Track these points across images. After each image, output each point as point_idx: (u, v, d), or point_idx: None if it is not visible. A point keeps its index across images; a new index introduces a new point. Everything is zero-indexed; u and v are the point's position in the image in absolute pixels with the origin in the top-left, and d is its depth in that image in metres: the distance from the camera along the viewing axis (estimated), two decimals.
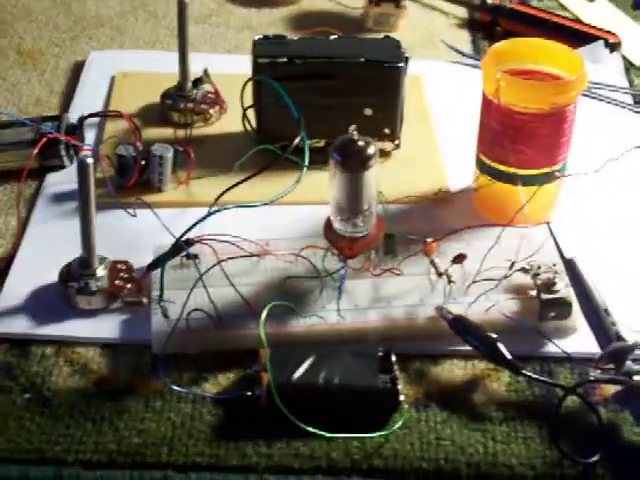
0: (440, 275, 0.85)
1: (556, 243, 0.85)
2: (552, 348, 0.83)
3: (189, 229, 0.85)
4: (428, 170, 1.01)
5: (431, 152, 1.04)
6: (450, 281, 0.84)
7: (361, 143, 0.79)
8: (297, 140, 0.91)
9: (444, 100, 1.12)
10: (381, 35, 1.20)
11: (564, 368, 0.82)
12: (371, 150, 0.79)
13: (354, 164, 0.79)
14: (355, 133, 0.79)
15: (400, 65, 0.98)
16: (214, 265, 0.83)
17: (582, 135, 0.95)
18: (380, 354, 0.79)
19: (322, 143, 1.00)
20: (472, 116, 0.93)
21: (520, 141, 0.89)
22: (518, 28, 1.24)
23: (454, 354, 0.83)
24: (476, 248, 0.88)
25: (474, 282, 0.85)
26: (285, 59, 0.97)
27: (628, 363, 0.77)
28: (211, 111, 1.06)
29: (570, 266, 0.83)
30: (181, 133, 1.03)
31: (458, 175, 0.99)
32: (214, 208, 0.86)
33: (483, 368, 0.82)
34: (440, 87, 1.14)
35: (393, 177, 1.00)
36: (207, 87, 1.07)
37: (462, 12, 1.30)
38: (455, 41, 1.24)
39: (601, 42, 1.18)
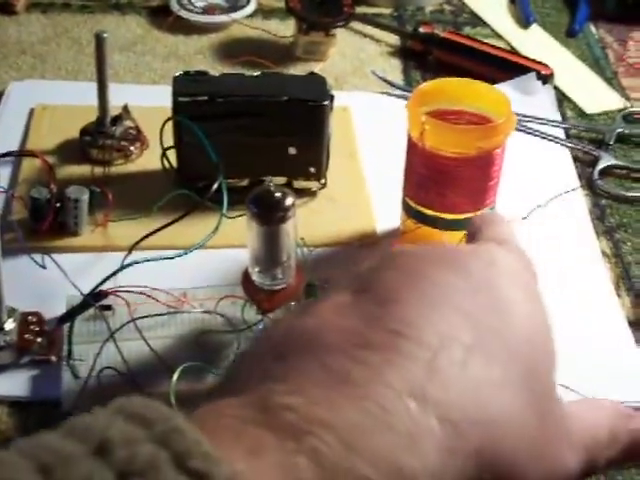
0: None
1: None
2: None
3: (101, 282, 0.81)
4: (355, 210, 0.99)
5: (359, 191, 1.01)
6: None
7: (278, 194, 0.76)
8: (215, 186, 0.88)
9: (373, 133, 1.09)
10: (310, 63, 1.18)
11: None
12: (289, 201, 0.76)
13: (271, 217, 0.76)
14: (272, 184, 0.76)
15: (325, 103, 0.95)
16: (127, 322, 0.80)
17: (513, 171, 0.93)
18: None
19: (245, 182, 0.97)
20: (402, 150, 0.91)
21: (445, 185, 0.87)
22: (450, 58, 1.22)
23: None
24: None
25: None
26: (206, 97, 0.94)
27: None
28: (132, 148, 1.03)
29: None
30: (100, 171, 0.99)
31: (386, 215, 0.97)
32: (128, 260, 0.82)
33: None
34: (369, 119, 1.11)
35: (319, 218, 0.97)
36: (128, 123, 1.03)
37: (394, 40, 1.27)
38: (386, 70, 1.21)
39: (533, 74, 1.16)
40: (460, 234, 0.86)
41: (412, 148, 0.88)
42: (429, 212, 0.89)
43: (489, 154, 0.87)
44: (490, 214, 0.63)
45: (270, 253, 0.78)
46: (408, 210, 0.91)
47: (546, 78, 1.17)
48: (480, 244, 0.55)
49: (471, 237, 0.61)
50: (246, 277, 0.81)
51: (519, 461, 0.45)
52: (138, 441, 0.37)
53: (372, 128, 1.10)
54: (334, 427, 0.41)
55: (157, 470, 0.36)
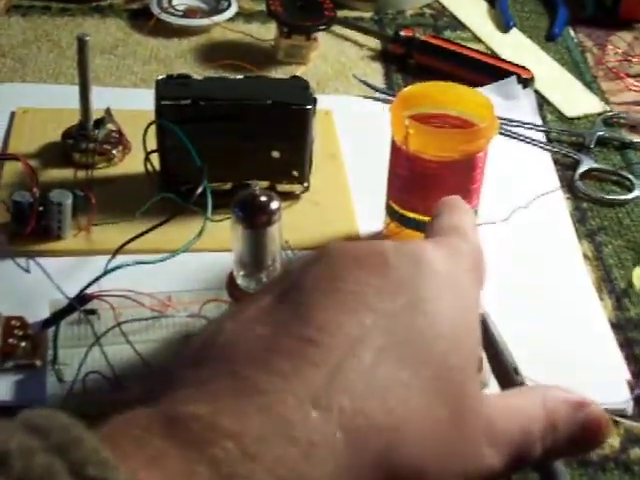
0: None
1: None
2: None
3: (86, 286, 0.81)
4: (338, 214, 0.99)
5: (342, 194, 1.01)
6: None
7: (263, 198, 0.76)
8: (199, 190, 0.88)
9: (355, 136, 1.09)
10: (292, 67, 1.18)
11: None
12: (274, 205, 0.76)
13: (256, 220, 0.76)
14: (257, 188, 0.77)
15: (308, 107, 0.95)
16: (112, 327, 0.80)
17: (495, 174, 0.94)
18: None
19: (229, 186, 0.97)
20: (384, 153, 0.91)
21: (429, 188, 0.88)
22: (431, 61, 1.22)
23: None
24: None
25: None
26: (189, 101, 0.94)
27: None
28: (114, 151, 1.02)
29: (482, 321, 0.81)
30: (82, 175, 0.99)
31: (369, 218, 0.97)
32: (112, 264, 0.82)
33: None
34: (351, 123, 1.12)
35: (302, 221, 0.97)
36: (110, 126, 1.03)
37: (375, 44, 1.28)
38: (368, 74, 1.22)
39: (514, 78, 1.17)
40: None
41: (396, 151, 0.89)
42: (412, 215, 0.89)
43: (472, 158, 0.87)
44: (455, 200, 0.62)
45: (255, 257, 0.78)
46: (391, 213, 0.92)
47: (527, 82, 1.17)
48: (408, 242, 0.53)
49: (430, 224, 0.61)
50: (231, 281, 0.81)
51: (429, 464, 0.45)
52: (35, 451, 0.37)
53: (354, 131, 1.10)
54: (237, 436, 0.41)
55: (53, 479, 0.36)
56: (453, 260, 0.53)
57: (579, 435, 0.53)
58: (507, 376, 0.78)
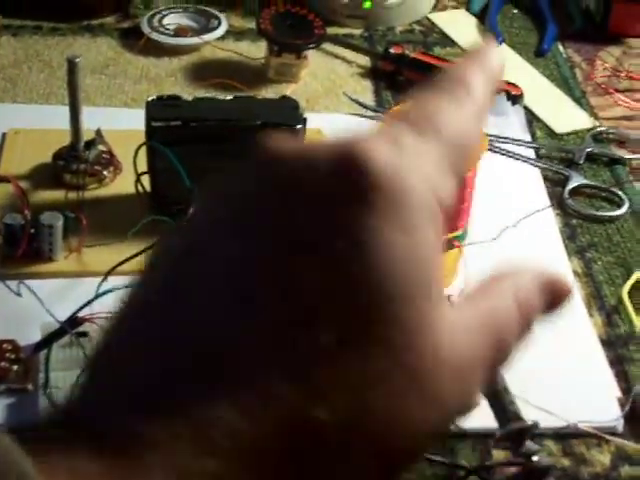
0: None
1: None
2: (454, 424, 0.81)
3: (78, 310, 0.82)
4: None
5: None
6: None
7: None
8: (190, 211, 0.88)
9: None
10: (282, 85, 1.19)
11: (466, 445, 0.81)
12: None
13: None
14: None
15: (298, 127, 0.95)
16: None
17: (485, 192, 0.94)
18: None
19: None
20: None
21: None
22: (421, 78, 1.22)
23: None
24: None
25: None
26: (179, 122, 0.94)
27: (527, 443, 0.76)
28: (105, 172, 1.03)
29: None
30: (74, 196, 0.99)
31: None
32: (104, 286, 0.83)
33: None
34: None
35: None
36: (101, 147, 1.03)
37: (365, 61, 1.28)
38: (358, 91, 1.22)
39: (503, 95, 1.17)
40: None
41: None
42: None
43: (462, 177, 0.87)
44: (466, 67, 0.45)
45: None
46: None
47: (516, 98, 1.18)
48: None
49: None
50: None
51: (396, 418, 0.38)
52: None
53: None
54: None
55: None
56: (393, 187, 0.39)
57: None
58: (497, 395, 0.78)
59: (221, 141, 0.95)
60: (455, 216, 0.89)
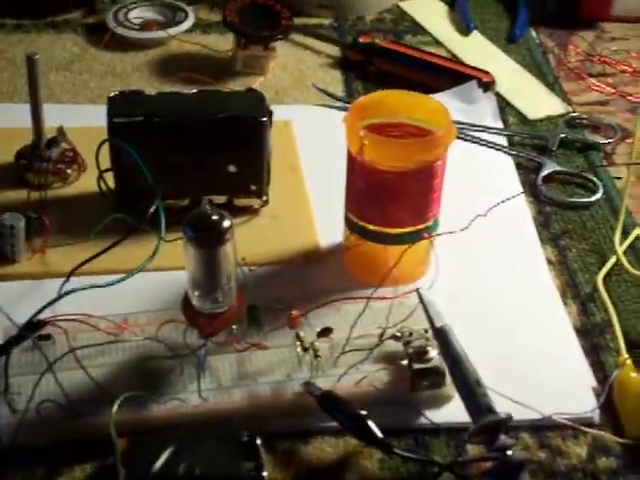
0: (306, 350, 0.81)
1: (425, 310, 0.81)
2: (427, 419, 0.80)
3: (37, 312, 0.80)
4: (298, 227, 0.97)
5: (301, 206, 1.00)
6: (316, 356, 0.80)
7: (215, 217, 0.75)
8: (152, 209, 0.87)
9: (316, 146, 1.08)
10: (251, 77, 1.17)
11: (440, 440, 0.79)
12: (226, 223, 0.75)
13: (208, 240, 0.75)
14: (208, 206, 0.75)
15: (263, 120, 0.93)
16: (67, 352, 0.78)
17: (457, 180, 0.92)
18: (245, 439, 0.75)
19: (187, 202, 0.95)
20: (344, 163, 0.89)
21: (387, 200, 0.86)
22: (391, 67, 1.21)
23: (325, 431, 0.79)
24: (345, 314, 0.84)
25: (343, 353, 0.81)
26: (142, 118, 0.92)
27: (501, 437, 0.74)
28: (69, 171, 1.01)
29: (440, 334, 0.80)
30: (36, 196, 0.97)
31: (330, 230, 0.95)
32: (67, 287, 0.81)
33: (355, 445, 0.78)
34: (311, 132, 1.10)
35: (261, 236, 0.96)
36: (64, 145, 1.01)
37: (335, 51, 1.26)
38: (327, 82, 1.20)
39: (474, 82, 1.15)
40: (404, 248, 0.85)
41: (352, 163, 0.87)
42: (371, 227, 0.88)
43: (430, 166, 0.86)
44: None
45: (209, 276, 0.77)
46: (350, 225, 0.90)
47: (487, 85, 1.16)
48: None
49: None
50: (186, 301, 0.79)
51: None
52: None
53: (314, 141, 1.09)
54: None
55: None
56: None
57: None
58: (470, 388, 0.77)
59: (185, 136, 0.93)
60: (425, 207, 0.87)
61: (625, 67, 1.24)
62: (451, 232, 0.86)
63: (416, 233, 0.88)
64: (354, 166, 0.87)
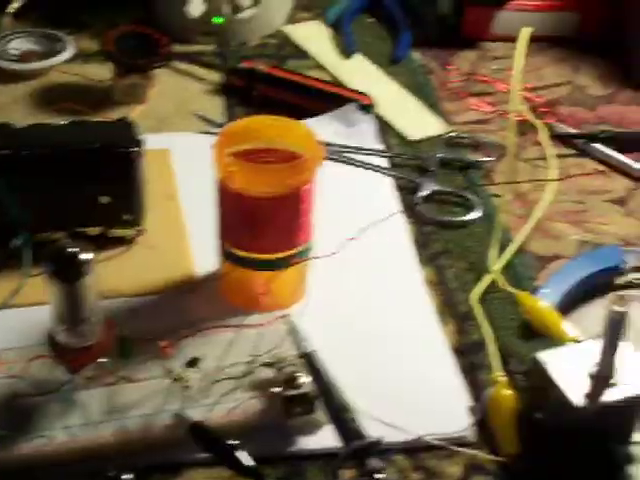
0: (176, 380, 0.80)
1: (295, 336, 0.81)
2: (301, 445, 0.79)
3: None
4: (174, 256, 0.97)
5: (178, 235, 0.99)
6: (186, 386, 0.80)
7: (73, 250, 0.74)
8: (17, 243, 0.85)
9: (194, 174, 1.07)
10: (131, 106, 1.16)
11: (314, 466, 0.79)
12: (85, 256, 0.74)
13: (67, 273, 0.74)
14: (67, 240, 0.74)
15: (133, 149, 0.92)
16: None
17: (335, 203, 0.92)
18: (111, 474, 0.74)
19: (59, 236, 0.94)
20: None
21: (255, 226, 0.86)
22: (273, 92, 1.21)
23: (197, 462, 0.78)
24: (219, 342, 0.84)
25: (215, 382, 0.80)
26: (9, 151, 0.91)
27: (371, 460, 0.74)
28: None
29: (307, 360, 0.79)
30: None
31: (207, 258, 0.95)
32: None
33: (229, 475, 0.77)
34: (190, 160, 1.09)
35: (136, 266, 0.95)
36: None
37: (217, 77, 1.26)
38: (209, 108, 1.20)
39: (353, 104, 1.16)
40: (277, 273, 0.85)
41: (221, 189, 0.87)
42: (242, 253, 0.87)
43: (297, 191, 0.85)
44: None
45: (72, 310, 0.76)
46: (222, 252, 0.90)
47: (367, 108, 1.16)
48: None
49: None
50: (51, 337, 0.78)
51: None
52: None
53: (193, 169, 1.08)
54: None
55: None
56: None
57: None
58: (338, 413, 0.76)
59: (55, 168, 0.92)
60: (295, 232, 0.87)
61: (505, 85, 1.25)
62: (320, 257, 0.86)
63: (287, 258, 0.87)
64: (223, 193, 0.87)
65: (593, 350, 0.80)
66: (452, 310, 0.94)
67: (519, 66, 1.05)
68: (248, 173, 0.84)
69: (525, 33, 1.10)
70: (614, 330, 0.77)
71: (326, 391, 0.77)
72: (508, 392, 0.83)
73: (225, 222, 0.88)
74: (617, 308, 0.76)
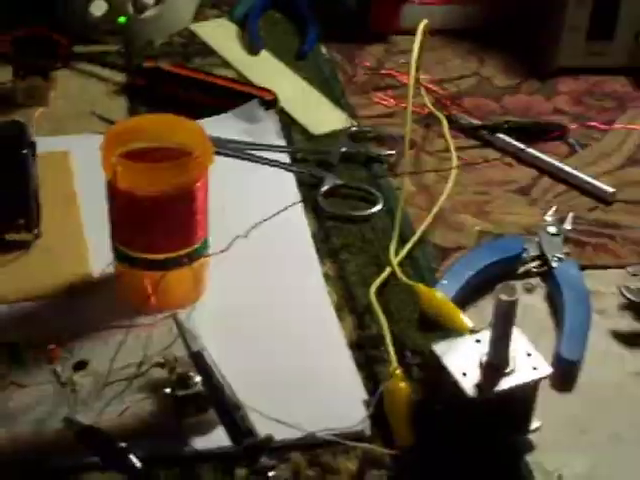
0: (64, 384, 0.79)
1: (186, 335, 0.80)
2: (194, 445, 0.79)
3: None
4: (71, 259, 0.95)
5: (75, 238, 0.98)
6: (73, 390, 0.79)
7: None
8: None
9: (95, 176, 1.05)
10: (32, 109, 1.15)
11: (208, 467, 0.78)
12: None
13: None
14: None
15: (24, 152, 0.91)
16: None
17: (237, 201, 0.92)
18: None
19: None
20: None
21: (147, 225, 0.85)
22: (175, 91, 1.20)
23: (88, 467, 0.77)
24: (112, 344, 0.82)
25: (107, 384, 0.79)
26: None
27: (262, 459, 0.73)
28: None
29: (196, 359, 0.79)
30: None
31: (105, 260, 0.93)
32: None
33: (122, 479, 0.76)
34: (91, 162, 1.07)
35: (33, 270, 0.93)
36: None
37: (120, 77, 1.25)
38: (112, 109, 1.18)
39: (256, 101, 1.15)
40: (167, 273, 0.84)
41: (110, 190, 0.86)
42: (133, 254, 0.86)
43: (188, 189, 0.85)
44: None
45: None
46: (116, 253, 0.89)
47: (269, 104, 1.16)
48: None
49: None
50: None
51: None
52: None
53: (93, 171, 1.06)
54: None
55: None
56: None
57: None
58: (229, 412, 0.76)
59: None
60: (188, 230, 0.86)
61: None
62: (213, 254, 0.85)
63: (179, 258, 0.86)
64: (112, 194, 0.86)
65: (488, 340, 0.80)
66: (352, 304, 0.93)
67: (415, 59, 1.05)
68: (134, 173, 0.83)
69: (422, 26, 1.11)
70: (503, 319, 0.78)
71: (216, 390, 0.77)
72: (403, 385, 0.83)
73: (115, 222, 0.87)
74: (505, 297, 0.76)
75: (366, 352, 0.89)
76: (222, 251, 0.84)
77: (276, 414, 0.79)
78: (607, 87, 1.29)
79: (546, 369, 0.80)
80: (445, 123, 1.16)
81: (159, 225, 0.85)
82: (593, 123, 1.21)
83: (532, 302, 0.96)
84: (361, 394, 0.84)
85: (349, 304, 0.93)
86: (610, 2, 1.27)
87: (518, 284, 0.97)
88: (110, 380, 0.80)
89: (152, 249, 0.86)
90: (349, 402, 0.83)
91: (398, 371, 0.84)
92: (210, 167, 0.86)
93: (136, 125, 0.88)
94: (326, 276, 0.96)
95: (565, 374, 0.88)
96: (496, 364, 0.79)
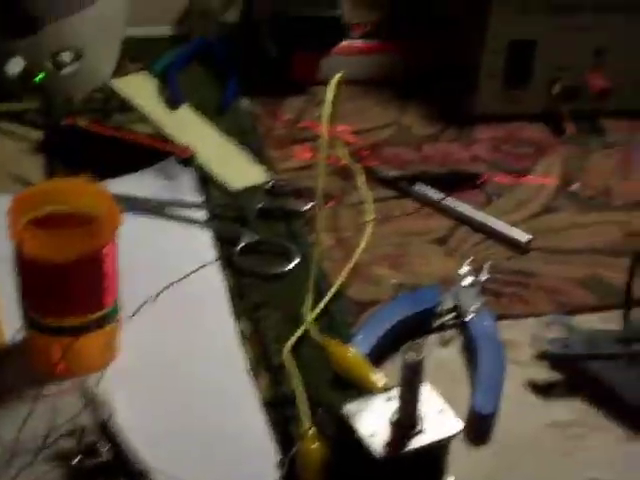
0: None
1: (93, 402, 0.80)
2: None
3: None
4: None
5: None
6: None
7: None
8: None
9: (6, 240, 1.05)
10: None
11: None
12: None
13: None
14: None
15: None
16: None
17: (152, 261, 0.92)
18: None
19: None
20: None
21: (55, 292, 0.84)
22: (93, 149, 1.19)
23: None
24: (16, 414, 0.82)
25: (15, 455, 0.79)
26: None
27: None
28: None
29: (105, 427, 0.78)
30: None
31: (18, 326, 0.92)
32: None
33: None
34: (3, 225, 1.07)
35: None
36: None
37: (38, 135, 1.24)
38: (29, 168, 1.18)
39: (172, 158, 1.15)
40: (75, 339, 0.84)
41: (17, 255, 0.85)
42: (43, 320, 0.86)
43: (95, 255, 0.84)
44: None
45: None
46: (26, 319, 0.88)
47: (186, 161, 1.16)
48: None
49: None
50: None
51: None
52: None
53: (5, 234, 1.05)
54: None
55: None
56: None
57: None
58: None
59: None
60: (97, 295, 0.86)
61: (329, 131, 1.25)
62: (124, 317, 0.85)
63: (88, 323, 0.86)
64: (19, 260, 0.85)
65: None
66: (267, 362, 0.93)
67: (328, 111, 1.05)
68: (40, 239, 0.83)
69: (337, 78, 1.11)
70: (411, 379, 0.78)
71: (123, 458, 0.76)
72: (316, 445, 0.82)
73: (23, 288, 0.86)
74: (411, 357, 0.76)
75: (280, 411, 0.88)
76: (130, 316, 0.84)
77: (187, 476, 0.78)
78: (524, 134, 1.30)
79: (457, 426, 0.80)
80: (361, 175, 1.16)
81: (66, 291, 0.84)
82: (507, 175, 1.21)
83: (447, 355, 0.97)
84: (273, 455, 0.84)
85: (265, 362, 0.93)
86: (525, 49, 1.28)
87: (434, 337, 0.98)
88: (18, 450, 0.79)
89: (60, 315, 0.85)
90: (261, 463, 0.83)
91: (311, 431, 0.84)
92: (123, 227, 0.86)
93: (43, 190, 0.88)
94: (242, 334, 0.96)
95: (480, 427, 0.88)
96: (405, 423, 0.79)
